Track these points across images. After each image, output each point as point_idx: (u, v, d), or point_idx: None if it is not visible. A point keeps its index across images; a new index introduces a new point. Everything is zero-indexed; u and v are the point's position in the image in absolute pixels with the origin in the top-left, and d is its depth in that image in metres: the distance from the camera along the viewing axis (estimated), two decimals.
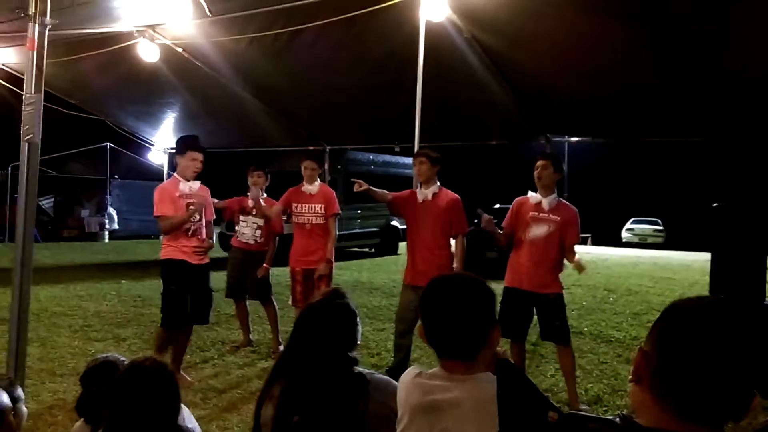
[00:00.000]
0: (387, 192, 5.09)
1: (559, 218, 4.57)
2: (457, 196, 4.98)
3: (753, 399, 1.04)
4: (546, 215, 4.59)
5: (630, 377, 1.12)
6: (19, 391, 2.07)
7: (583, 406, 4.68)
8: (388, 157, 15.71)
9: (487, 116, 7.39)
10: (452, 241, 4.96)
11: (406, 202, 5.05)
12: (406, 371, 1.82)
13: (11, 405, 1.93)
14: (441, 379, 1.68)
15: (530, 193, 4.74)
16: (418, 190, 4.99)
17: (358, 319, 2.08)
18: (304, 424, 1.89)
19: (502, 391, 1.33)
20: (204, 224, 5.07)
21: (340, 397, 1.91)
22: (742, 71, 5.23)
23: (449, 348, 1.68)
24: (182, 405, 2.25)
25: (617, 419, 1.09)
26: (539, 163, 4.64)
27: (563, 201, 4.73)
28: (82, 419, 2.29)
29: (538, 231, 4.60)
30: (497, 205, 12.07)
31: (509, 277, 4.70)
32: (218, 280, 5.66)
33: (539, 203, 4.63)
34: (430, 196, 4.90)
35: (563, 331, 4.61)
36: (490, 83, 6.35)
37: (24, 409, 2.07)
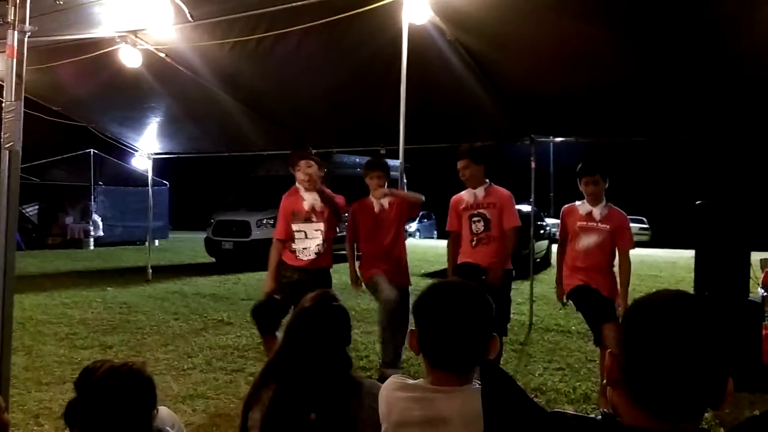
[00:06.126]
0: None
1: (495, 203, 4.90)
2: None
3: (728, 384, 1.03)
4: (481, 206, 4.96)
5: (604, 381, 1.11)
6: None
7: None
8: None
9: (472, 117, 7.41)
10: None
11: (361, 212, 5.27)
12: (387, 381, 1.72)
13: None
14: (426, 391, 1.59)
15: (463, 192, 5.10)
16: (374, 200, 5.20)
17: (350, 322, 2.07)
18: (297, 427, 1.89)
19: (486, 394, 1.32)
20: None
21: (333, 401, 1.90)
22: (724, 71, 5.27)
23: (445, 360, 1.58)
24: (172, 413, 2.24)
25: (599, 417, 1.10)
26: (458, 163, 5.01)
27: (494, 186, 5.01)
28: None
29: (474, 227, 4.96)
30: None
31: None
32: (206, 285, 5.67)
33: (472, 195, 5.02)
34: (386, 205, 5.18)
35: None
36: (474, 85, 6.37)
37: (6, 418, 2.05)
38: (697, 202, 5.65)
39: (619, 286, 4.66)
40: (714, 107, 6.08)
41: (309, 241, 4.95)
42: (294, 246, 4.98)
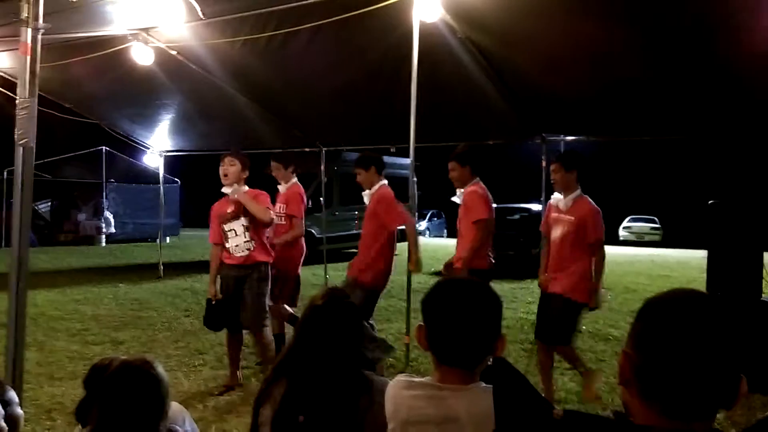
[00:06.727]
0: None
1: (465, 200, 4.99)
2: (384, 192, 5.21)
3: (741, 384, 1.03)
4: (461, 206, 5.07)
5: (618, 380, 1.11)
6: (12, 394, 2.06)
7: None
8: (383, 158, 15.61)
9: (483, 116, 7.39)
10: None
11: None
12: (393, 380, 1.72)
13: (2, 411, 1.92)
14: (433, 389, 1.58)
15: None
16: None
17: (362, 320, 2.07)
18: (307, 425, 1.89)
19: (499, 392, 1.32)
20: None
21: (344, 398, 1.90)
22: (737, 68, 5.23)
23: (452, 356, 1.58)
24: (183, 409, 2.25)
25: (611, 416, 1.09)
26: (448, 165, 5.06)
27: (471, 184, 5.02)
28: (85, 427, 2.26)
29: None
30: (494, 205, 12.14)
31: None
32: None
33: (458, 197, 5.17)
34: (368, 199, 5.27)
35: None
36: (485, 83, 6.35)
37: (19, 411, 2.07)
38: (710, 202, 5.62)
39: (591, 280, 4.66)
40: (727, 106, 6.03)
41: (238, 237, 4.97)
42: (227, 245, 5.01)
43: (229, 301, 4.99)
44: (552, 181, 4.80)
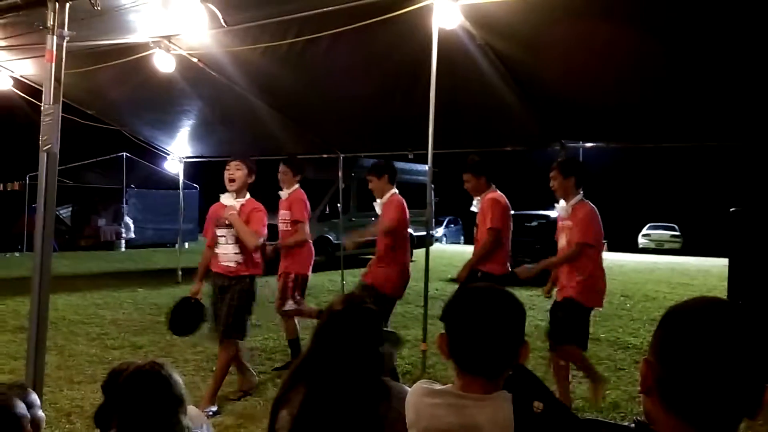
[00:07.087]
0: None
1: (482, 208, 5.12)
2: (395, 199, 5.35)
3: (765, 393, 1.01)
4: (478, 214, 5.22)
5: (639, 388, 1.10)
6: (33, 397, 2.08)
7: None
8: (401, 164, 15.68)
9: (501, 123, 7.37)
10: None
11: None
12: (414, 387, 1.71)
13: (27, 414, 1.95)
14: (455, 398, 1.56)
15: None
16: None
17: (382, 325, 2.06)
18: (327, 430, 1.89)
19: (519, 400, 1.31)
20: None
21: (363, 405, 1.90)
22: (759, 75, 5.18)
23: (475, 365, 1.56)
24: (201, 414, 2.27)
25: (632, 425, 1.08)
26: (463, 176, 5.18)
27: (488, 193, 5.15)
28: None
29: None
30: (511, 212, 12.09)
31: None
32: None
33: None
34: (379, 209, 5.42)
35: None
36: (504, 90, 6.34)
37: (41, 414, 2.09)
38: (731, 210, 5.56)
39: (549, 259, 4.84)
40: (748, 112, 5.97)
41: (228, 246, 4.82)
42: (217, 251, 4.88)
43: (212, 307, 4.89)
44: (551, 188, 4.85)
